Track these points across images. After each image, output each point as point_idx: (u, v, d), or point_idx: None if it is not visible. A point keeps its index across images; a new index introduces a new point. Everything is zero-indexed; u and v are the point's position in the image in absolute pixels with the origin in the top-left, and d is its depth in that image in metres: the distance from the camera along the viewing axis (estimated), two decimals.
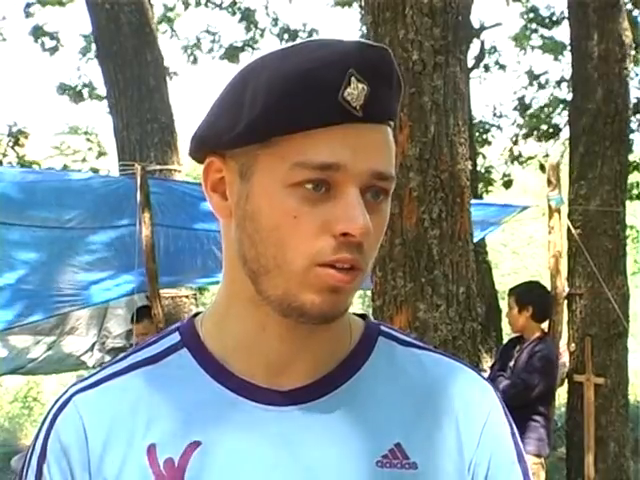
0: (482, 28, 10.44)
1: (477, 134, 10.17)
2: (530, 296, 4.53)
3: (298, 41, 0.84)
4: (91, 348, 6.60)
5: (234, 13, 10.51)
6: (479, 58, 10.56)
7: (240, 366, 0.82)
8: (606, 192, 5.31)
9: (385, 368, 0.85)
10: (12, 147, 9.57)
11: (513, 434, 0.87)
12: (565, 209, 5.08)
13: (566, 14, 6.73)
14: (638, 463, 6.37)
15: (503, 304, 7.29)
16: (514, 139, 10.83)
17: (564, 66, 11.14)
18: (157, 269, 4.44)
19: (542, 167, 9.40)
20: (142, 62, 6.36)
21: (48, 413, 0.84)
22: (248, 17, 10.46)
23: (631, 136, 6.57)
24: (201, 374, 0.82)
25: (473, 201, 3.19)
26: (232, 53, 10.46)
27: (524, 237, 21.92)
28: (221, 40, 10.74)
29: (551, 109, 10.40)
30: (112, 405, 0.82)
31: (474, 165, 8.61)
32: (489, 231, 6.25)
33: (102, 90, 10.15)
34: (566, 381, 5.35)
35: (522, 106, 10.71)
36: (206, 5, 10.55)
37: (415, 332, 2.78)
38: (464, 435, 0.84)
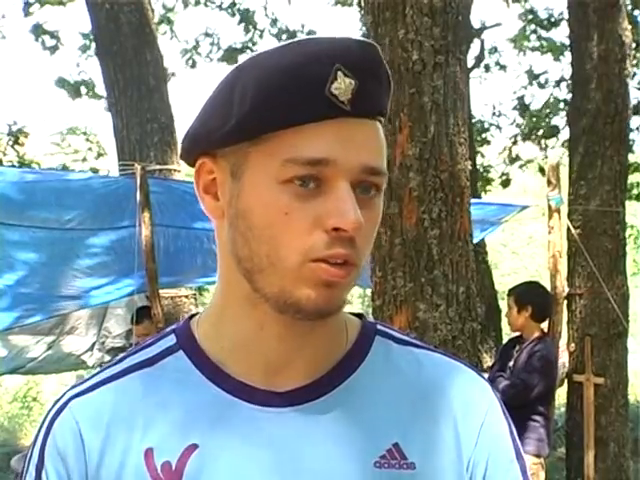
0: (482, 28, 10.44)
1: (476, 133, 10.16)
2: (529, 296, 4.53)
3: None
4: (91, 348, 6.60)
5: (233, 14, 10.51)
6: (479, 58, 10.56)
7: (237, 367, 0.82)
8: (606, 192, 5.31)
9: (382, 368, 0.85)
10: (12, 146, 9.57)
11: (511, 433, 0.87)
12: (565, 209, 5.08)
13: (564, 15, 6.74)
14: (638, 463, 6.37)
15: (503, 304, 7.28)
16: (513, 139, 10.83)
17: (564, 66, 11.14)
18: (157, 269, 4.44)
19: (542, 170, 9.39)
20: (142, 62, 6.36)
21: (45, 418, 0.84)
22: (247, 18, 10.46)
23: (631, 136, 6.56)
24: (197, 376, 0.82)
25: (472, 200, 3.19)
26: (231, 55, 10.46)
27: (524, 237, 21.91)
28: (220, 42, 10.74)
29: (549, 110, 10.40)
30: (108, 409, 0.82)
31: (473, 165, 8.61)
32: (489, 232, 6.25)
33: (100, 88, 10.17)
34: (566, 381, 5.35)
35: (522, 106, 10.71)
36: (205, 4, 10.55)
37: (415, 332, 2.78)
38: (462, 434, 0.83)
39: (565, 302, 5.10)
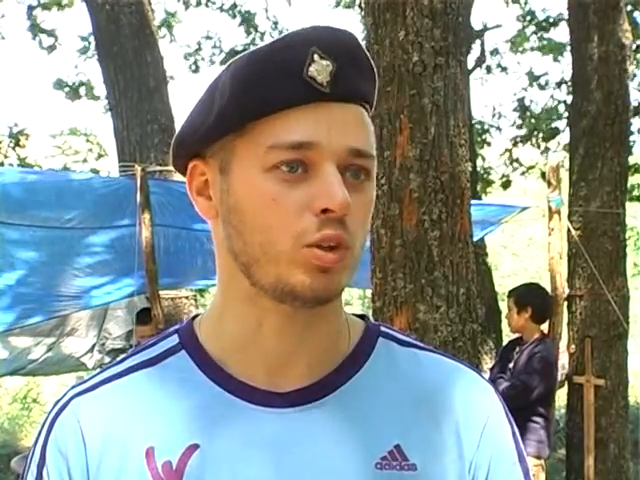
0: (483, 30, 10.44)
1: (476, 135, 10.16)
2: (529, 297, 4.53)
3: None
4: (91, 349, 6.59)
5: (234, 16, 10.51)
6: (479, 60, 10.56)
7: (239, 367, 0.82)
8: (606, 194, 5.30)
9: (385, 369, 0.85)
10: (13, 148, 9.57)
11: (514, 435, 0.87)
12: (565, 210, 5.07)
13: (563, 16, 6.74)
14: (638, 465, 6.36)
15: (503, 305, 7.29)
16: (513, 142, 10.82)
17: (564, 67, 11.15)
18: (157, 270, 4.44)
19: (543, 175, 9.39)
20: (142, 63, 6.36)
21: (47, 417, 0.84)
22: (248, 20, 10.46)
23: (631, 138, 6.56)
24: (199, 376, 0.82)
25: (472, 201, 3.19)
26: (233, 57, 10.47)
27: (524, 239, 21.91)
28: (222, 45, 10.75)
29: (548, 112, 10.40)
30: (110, 408, 0.82)
31: (473, 166, 8.61)
32: (489, 231, 6.25)
33: (99, 90, 10.18)
34: (566, 383, 5.35)
35: (522, 107, 10.72)
36: (206, 5, 10.55)
37: (415, 333, 2.77)
38: (464, 436, 0.83)
39: (565, 303, 5.09)
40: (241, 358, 0.82)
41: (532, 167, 10.95)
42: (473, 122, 9.85)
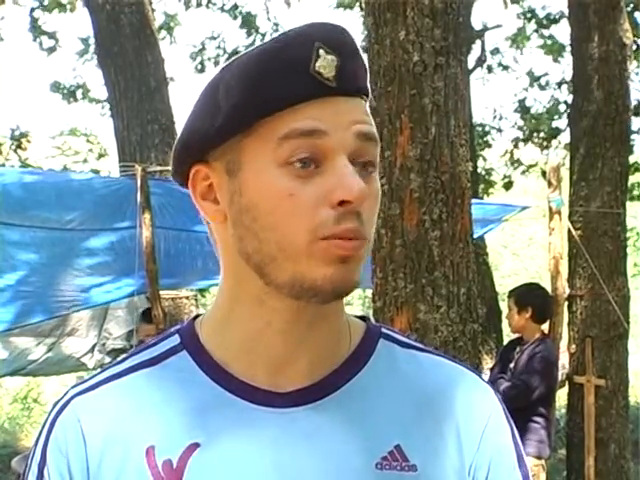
0: (483, 30, 10.44)
1: (477, 136, 10.15)
2: (530, 297, 4.53)
3: None
4: (91, 349, 6.58)
5: (235, 17, 10.51)
6: (480, 60, 10.56)
7: (241, 367, 0.82)
8: (607, 194, 5.31)
9: (386, 370, 0.85)
10: (15, 150, 9.58)
11: (514, 437, 0.87)
12: (566, 210, 5.07)
13: (564, 13, 6.73)
14: (638, 465, 6.36)
15: (503, 306, 7.29)
16: (514, 142, 10.82)
17: (564, 67, 11.15)
18: (157, 270, 4.44)
19: (544, 174, 9.39)
20: (142, 63, 6.36)
21: (48, 417, 0.84)
22: (249, 22, 10.46)
23: (632, 137, 6.56)
24: (200, 376, 0.82)
25: (473, 201, 3.19)
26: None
27: (524, 239, 21.90)
28: (225, 46, 10.75)
29: (549, 112, 10.39)
30: (111, 408, 0.82)
31: (474, 167, 8.62)
32: (489, 229, 6.24)
33: (96, 92, 10.19)
34: (566, 383, 5.35)
35: (522, 108, 10.71)
36: (207, 6, 10.55)
37: (415, 333, 2.77)
38: (464, 438, 0.83)
39: (566, 304, 5.09)
40: (245, 358, 0.82)
41: (533, 166, 10.95)
42: (474, 124, 9.85)
